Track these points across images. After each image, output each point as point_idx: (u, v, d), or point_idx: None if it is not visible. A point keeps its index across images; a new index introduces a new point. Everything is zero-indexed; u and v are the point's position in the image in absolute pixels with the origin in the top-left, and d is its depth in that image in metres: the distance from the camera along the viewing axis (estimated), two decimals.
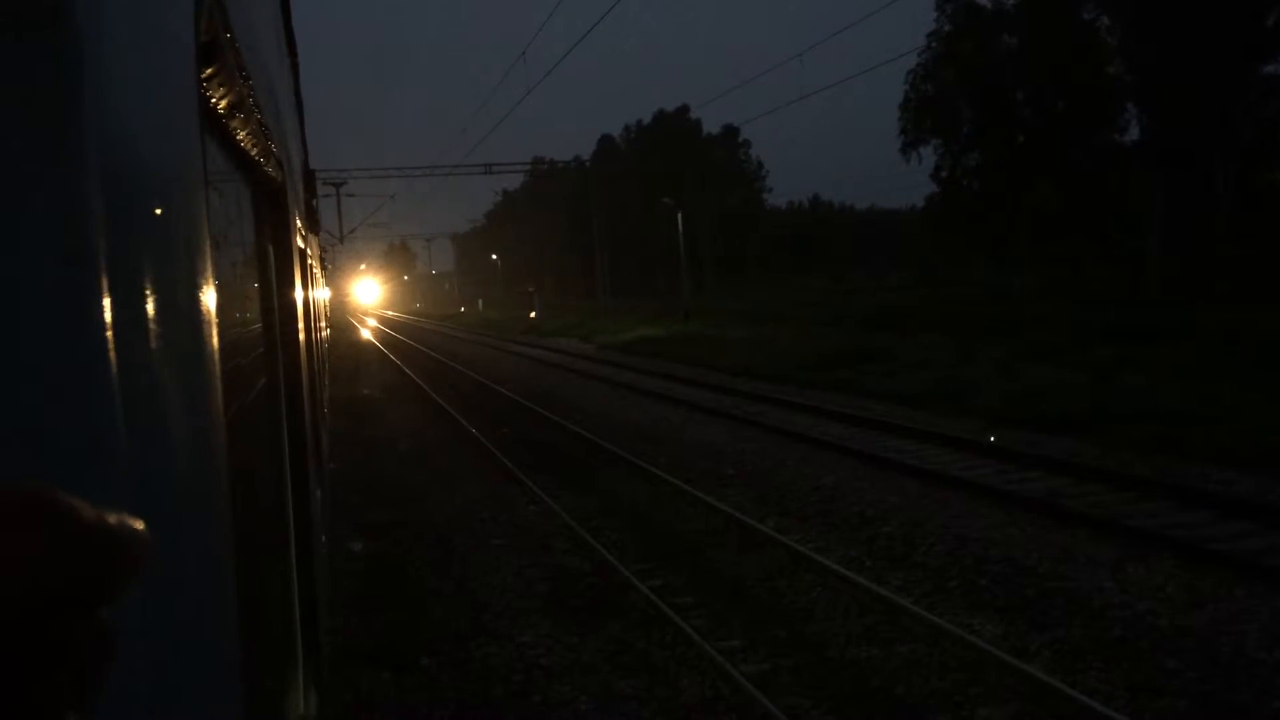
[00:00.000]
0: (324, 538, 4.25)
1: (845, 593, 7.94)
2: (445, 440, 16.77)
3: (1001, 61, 45.14)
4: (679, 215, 47.40)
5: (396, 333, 63.34)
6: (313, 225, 7.78)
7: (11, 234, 0.50)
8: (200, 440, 0.77)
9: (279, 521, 2.20)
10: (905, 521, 9.84)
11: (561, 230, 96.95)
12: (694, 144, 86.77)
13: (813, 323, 35.67)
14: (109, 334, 0.52)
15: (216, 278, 0.89)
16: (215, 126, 1.25)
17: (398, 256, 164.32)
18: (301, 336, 3.15)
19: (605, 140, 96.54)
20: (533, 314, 62.95)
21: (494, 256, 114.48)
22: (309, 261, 5.30)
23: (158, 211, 0.67)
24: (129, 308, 0.56)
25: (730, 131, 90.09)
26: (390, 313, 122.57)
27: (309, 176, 9.62)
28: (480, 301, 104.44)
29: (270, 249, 2.34)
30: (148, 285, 0.61)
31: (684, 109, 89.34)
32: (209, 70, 1.06)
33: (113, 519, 0.35)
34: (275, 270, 2.43)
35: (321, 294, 10.20)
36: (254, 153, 1.70)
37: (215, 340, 0.84)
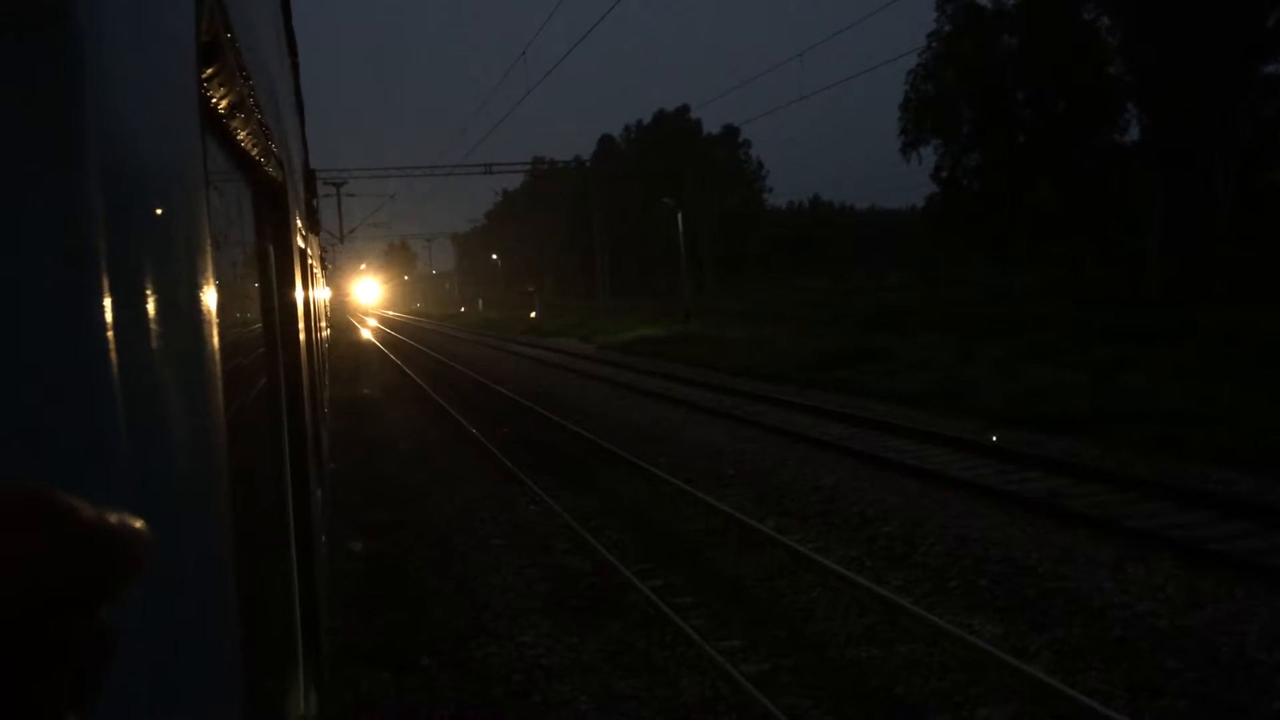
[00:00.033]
0: (324, 538, 4.25)
1: (845, 593, 7.94)
2: (445, 440, 16.77)
3: (1002, 61, 45.15)
4: (679, 215, 47.41)
5: (397, 333, 63.34)
6: (313, 225, 7.78)
7: (12, 234, 0.50)
8: (200, 440, 0.77)
9: (279, 521, 2.20)
10: (905, 521, 9.84)
11: (561, 230, 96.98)
12: (694, 144, 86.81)
13: (813, 323, 35.68)
14: (109, 334, 0.52)
15: (217, 278, 0.89)
16: (216, 126, 1.25)
17: (398, 256, 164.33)
18: (302, 336, 3.14)
19: (605, 140, 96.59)
20: (533, 314, 62.96)
21: (494, 256, 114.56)
22: (309, 261, 5.30)
23: (158, 211, 0.67)
24: (129, 308, 0.56)
25: (730, 131, 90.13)
26: (390, 313, 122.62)
27: (309, 176, 9.62)
28: (480, 301, 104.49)
29: (270, 249, 2.34)
30: (148, 285, 0.61)
31: (684, 109, 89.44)
32: (209, 70, 1.06)
33: (113, 519, 0.35)
34: (276, 270, 2.43)
35: (322, 294, 10.20)
36: (254, 152, 1.70)
37: (216, 340, 0.84)
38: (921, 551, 8.94)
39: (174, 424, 0.67)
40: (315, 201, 11.03)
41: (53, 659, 0.33)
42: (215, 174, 1.22)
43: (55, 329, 0.51)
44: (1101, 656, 6.53)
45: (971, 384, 17.88)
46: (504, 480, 13.00)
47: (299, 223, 3.68)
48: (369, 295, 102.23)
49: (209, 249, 0.85)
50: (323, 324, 9.53)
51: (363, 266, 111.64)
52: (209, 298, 0.82)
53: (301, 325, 3.18)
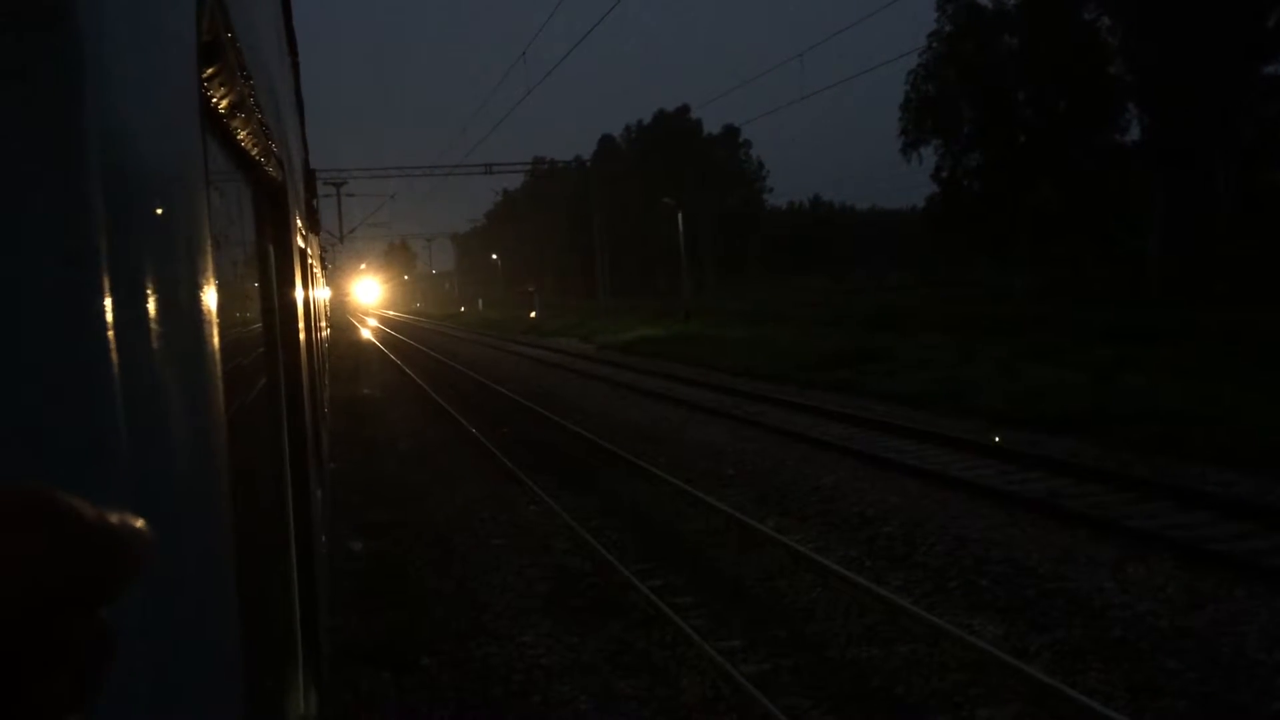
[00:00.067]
0: (324, 537, 4.25)
1: (845, 593, 7.94)
2: (445, 440, 16.77)
3: (1002, 61, 45.15)
4: (679, 215, 47.41)
5: (397, 332, 63.34)
6: (313, 225, 7.78)
7: (12, 234, 0.50)
8: (201, 440, 0.77)
9: (279, 521, 2.20)
10: (905, 521, 9.84)
11: (562, 230, 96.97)
12: (694, 144, 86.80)
13: (813, 323, 35.69)
14: (110, 334, 0.52)
15: (217, 277, 0.89)
16: (216, 126, 1.25)
17: (398, 256, 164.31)
18: (302, 336, 3.14)
19: (605, 140, 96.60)
20: (533, 314, 62.98)
21: (494, 256, 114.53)
22: (309, 261, 5.30)
23: (159, 211, 0.67)
24: (130, 307, 0.56)
25: (730, 131, 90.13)
26: (390, 312, 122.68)
27: (309, 176, 9.63)
28: (480, 301, 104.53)
29: (271, 248, 2.35)
30: (149, 285, 0.61)
31: (684, 109, 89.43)
32: (210, 70, 1.06)
33: (113, 519, 0.35)
34: (276, 270, 2.43)
35: (322, 294, 10.20)
36: (255, 152, 1.70)
37: (216, 340, 0.84)
38: (922, 552, 8.94)
39: (174, 424, 0.67)
40: (315, 201, 11.03)
41: (53, 659, 0.33)
42: (216, 174, 1.22)
43: (55, 329, 0.51)
44: (1102, 657, 6.53)
45: (972, 384, 17.88)
46: (504, 480, 12.99)
47: (299, 222, 3.68)
48: (369, 295, 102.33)
49: (209, 249, 0.85)
50: (323, 324, 9.53)
51: (363, 266, 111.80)
52: (209, 298, 0.82)
53: (301, 325, 3.18)
